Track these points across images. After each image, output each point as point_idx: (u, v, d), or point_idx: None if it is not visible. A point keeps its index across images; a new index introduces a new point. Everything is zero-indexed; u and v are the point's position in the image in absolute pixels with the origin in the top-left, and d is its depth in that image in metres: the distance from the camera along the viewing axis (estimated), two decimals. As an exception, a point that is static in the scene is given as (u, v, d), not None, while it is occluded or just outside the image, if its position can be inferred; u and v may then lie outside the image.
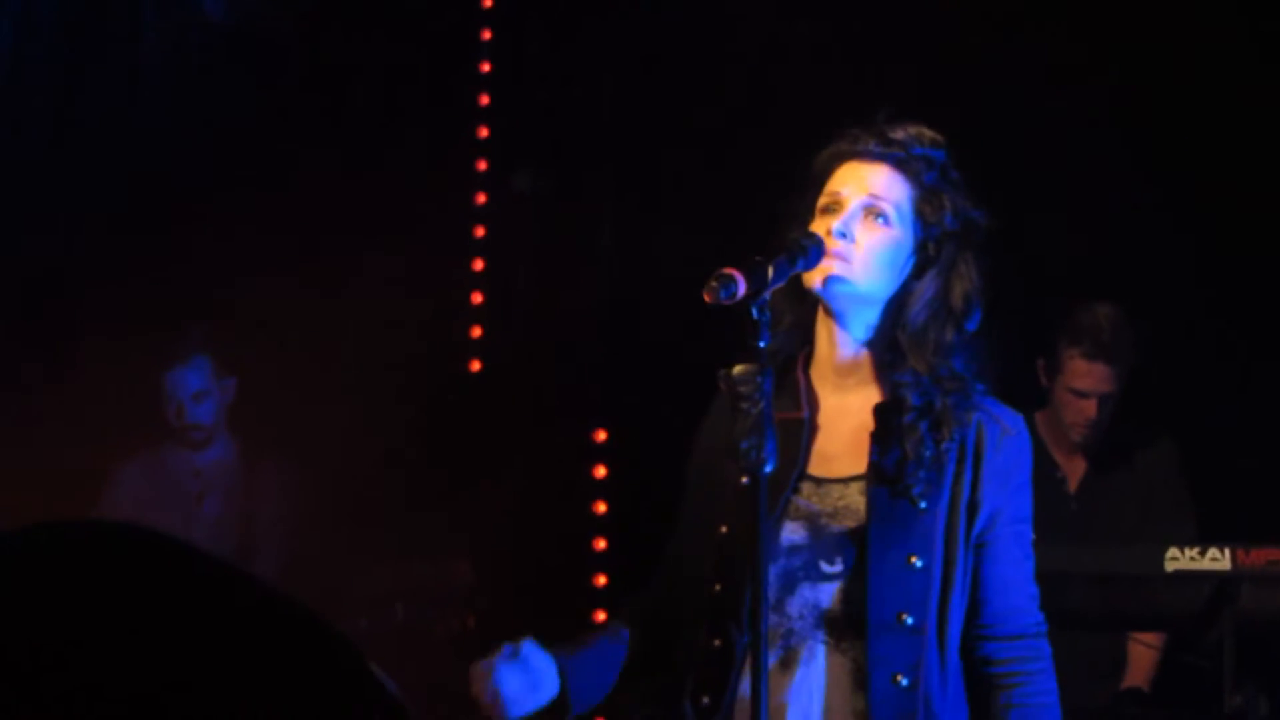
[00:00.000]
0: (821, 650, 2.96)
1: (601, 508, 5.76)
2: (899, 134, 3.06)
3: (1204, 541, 4.30)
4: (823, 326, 3.07)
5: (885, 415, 3.00)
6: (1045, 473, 5.13)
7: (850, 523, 2.95)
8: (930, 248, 3.03)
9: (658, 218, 5.80)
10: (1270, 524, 4.64)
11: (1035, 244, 5.31)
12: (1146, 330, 5.06)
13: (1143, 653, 4.95)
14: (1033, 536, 3.10)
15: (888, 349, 3.03)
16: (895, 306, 3.03)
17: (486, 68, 6.01)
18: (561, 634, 5.65)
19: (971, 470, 2.99)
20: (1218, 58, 5.29)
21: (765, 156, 3.20)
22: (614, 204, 5.94)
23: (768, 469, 2.77)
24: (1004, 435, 3.01)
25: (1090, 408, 5.05)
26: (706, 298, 2.74)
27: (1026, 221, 5.31)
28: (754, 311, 2.78)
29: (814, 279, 2.96)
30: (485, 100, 6.01)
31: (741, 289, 2.74)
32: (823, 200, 3.05)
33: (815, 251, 2.91)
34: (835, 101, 3.25)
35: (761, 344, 2.78)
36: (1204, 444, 5.17)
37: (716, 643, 2.98)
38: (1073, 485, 5.17)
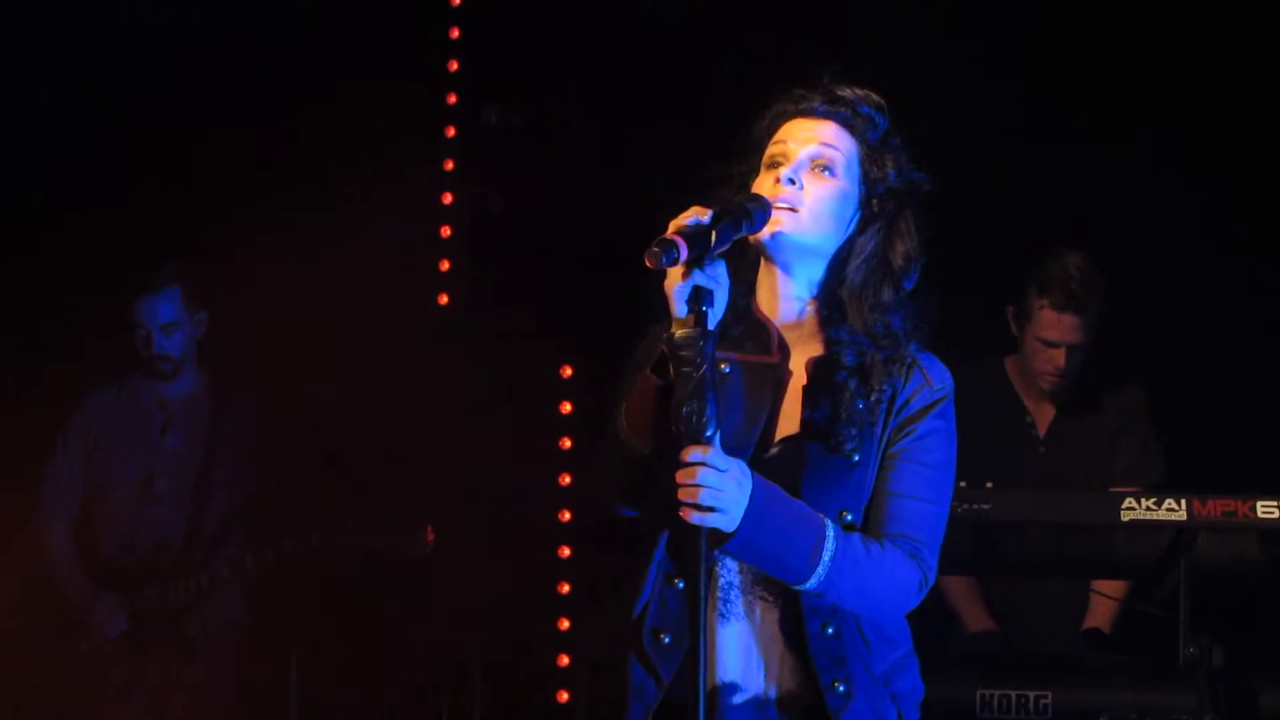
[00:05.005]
0: (758, 606, 2.98)
1: (567, 443, 5.76)
2: (845, 92, 3.06)
3: (1167, 489, 4.32)
4: (765, 281, 3.06)
5: (818, 372, 3.00)
6: (1014, 416, 5.15)
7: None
8: (874, 204, 3.04)
9: (629, 151, 5.79)
10: (1226, 475, 4.67)
11: (1003, 189, 5.32)
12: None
13: (1102, 602, 4.98)
14: (943, 489, 2.99)
15: (829, 305, 3.03)
16: (838, 262, 3.03)
17: (456, 1, 5.98)
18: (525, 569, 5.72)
19: (895, 420, 2.98)
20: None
21: (740, 95, 3.18)
22: (584, 138, 5.92)
23: (708, 433, 2.75)
24: (923, 387, 2.99)
25: (1059, 357, 5.05)
26: (649, 263, 2.71)
27: (993, 167, 5.34)
28: (697, 276, 2.77)
29: (761, 233, 2.95)
30: (455, 33, 5.98)
31: (684, 254, 2.72)
32: (769, 155, 3.04)
33: (760, 215, 2.90)
34: (814, 46, 3.25)
35: (705, 308, 2.76)
36: (1163, 394, 5.19)
37: (678, 582, 2.97)
38: (1041, 430, 5.18)
